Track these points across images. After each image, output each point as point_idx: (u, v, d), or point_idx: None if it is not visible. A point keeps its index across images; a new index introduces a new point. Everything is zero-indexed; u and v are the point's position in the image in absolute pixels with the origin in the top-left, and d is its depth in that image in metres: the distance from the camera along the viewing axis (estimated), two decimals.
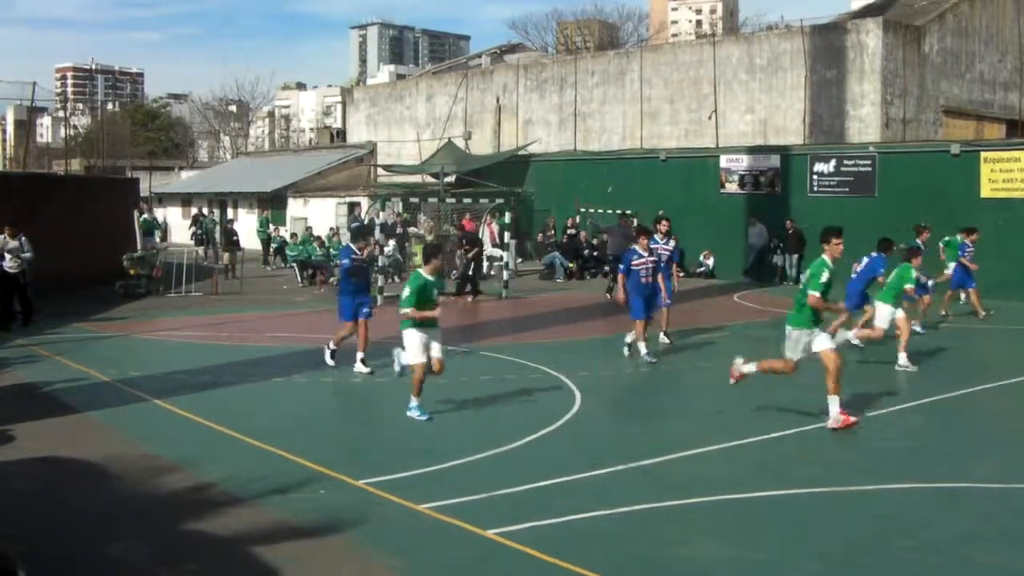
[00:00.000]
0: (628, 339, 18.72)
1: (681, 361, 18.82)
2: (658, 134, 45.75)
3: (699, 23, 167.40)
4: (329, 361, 17.25)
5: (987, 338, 22.85)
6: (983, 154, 32.14)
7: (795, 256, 33.93)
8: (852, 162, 34.63)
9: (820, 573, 8.10)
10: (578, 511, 9.37)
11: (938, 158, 33.06)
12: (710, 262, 36.88)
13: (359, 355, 16.88)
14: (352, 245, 17.50)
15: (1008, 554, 8.58)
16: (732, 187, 37.93)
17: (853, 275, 20.07)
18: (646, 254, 18.49)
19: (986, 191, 31.64)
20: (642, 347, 18.19)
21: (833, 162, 35.03)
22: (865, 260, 20.10)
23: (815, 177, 35.33)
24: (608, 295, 27.68)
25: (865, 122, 40.12)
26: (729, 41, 48.49)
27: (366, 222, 36.11)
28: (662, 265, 19.15)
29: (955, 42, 43.57)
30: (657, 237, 19.58)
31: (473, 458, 11.22)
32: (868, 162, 34.22)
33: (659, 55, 48.74)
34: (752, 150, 38.53)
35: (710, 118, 43.12)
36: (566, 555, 8.20)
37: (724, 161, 38.33)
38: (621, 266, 18.68)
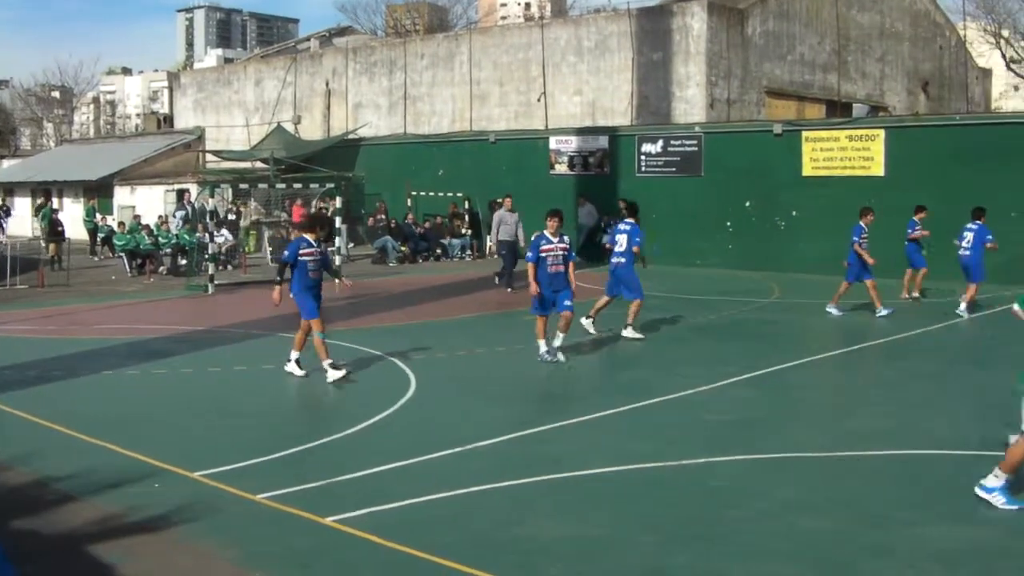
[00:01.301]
0: (543, 349, 16.47)
1: (515, 341, 18.98)
2: (488, 116, 45.91)
3: (528, 6, 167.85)
4: (333, 373, 14.99)
5: (812, 313, 23.52)
6: (804, 134, 33.06)
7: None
8: (679, 142, 35.28)
9: (656, 546, 8.25)
10: (416, 495, 9.38)
11: (762, 138, 33.89)
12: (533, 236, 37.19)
13: (295, 355, 15.48)
14: (307, 235, 15.44)
15: (832, 519, 8.89)
16: (562, 168, 38.34)
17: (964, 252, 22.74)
18: (555, 240, 16.36)
19: (808, 170, 32.56)
20: (541, 345, 16.46)
21: (660, 142, 35.63)
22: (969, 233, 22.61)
23: (643, 157, 35.90)
24: (497, 281, 27.77)
25: (691, 103, 40.82)
26: (557, 24, 48.79)
27: (196, 208, 35.65)
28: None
29: (777, 25, 44.57)
30: (549, 234, 16.50)
31: (309, 445, 11.18)
32: (694, 142, 34.89)
33: (488, 38, 48.86)
34: (581, 131, 38.97)
35: (539, 100, 43.42)
36: (405, 539, 8.22)
37: (553, 142, 38.72)
38: (529, 254, 16.39)
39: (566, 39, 44.51)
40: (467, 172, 40.19)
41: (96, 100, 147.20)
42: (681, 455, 10.80)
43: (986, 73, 60.99)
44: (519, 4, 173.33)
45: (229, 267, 32.95)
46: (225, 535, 8.53)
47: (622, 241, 18.98)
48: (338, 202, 32.12)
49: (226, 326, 20.63)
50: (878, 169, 31.49)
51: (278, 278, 15.15)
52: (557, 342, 16.56)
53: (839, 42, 45.07)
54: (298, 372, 15.27)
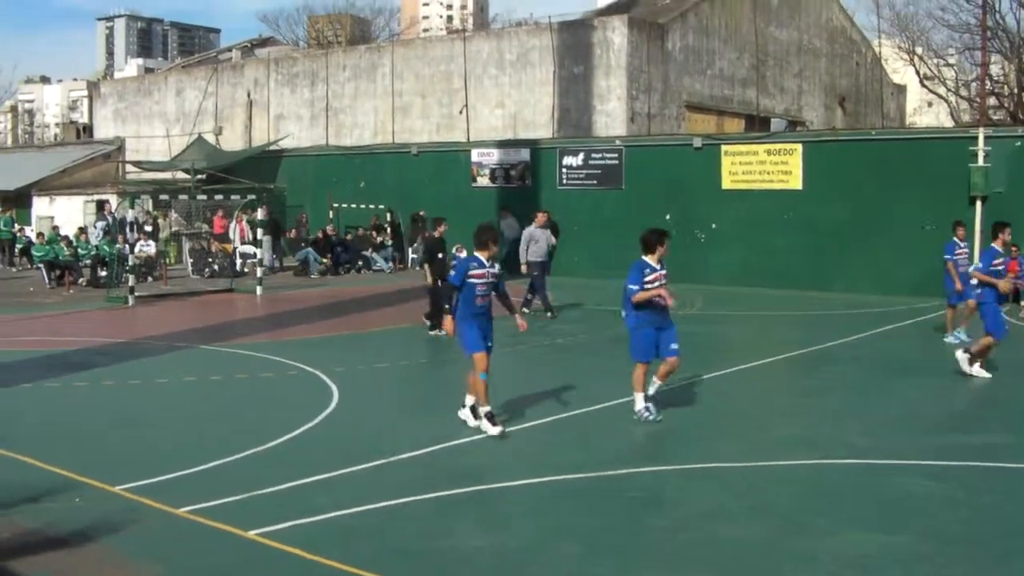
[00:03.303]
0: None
1: (436, 353, 19.05)
2: (410, 128, 45.93)
3: (450, 18, 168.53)
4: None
5: (733, 323, 23.81)
6: (724, 147, 33.43)
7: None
8: (600, 155, 35.51)
9: (577, 556, 8.33)
10: (340, 507, 9.40)
11: (681, 151, 34.21)
12: (463, 255, 37.21)
13: (471, 401, 13.03)
14: (478, 254, 12.84)
15: (752, 528, 9.04)
16: (484, 181, 38.44)
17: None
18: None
19: (727, 183, 32.92)
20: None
21: (581, 155, 35.85)
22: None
23: (564, 170, 36.10)
24: (528, 310, 23.61)
25: (611, 116, 41.12)
26: (480, 37, 48.97)
27: (116, 220, 35.34)
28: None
29: (697, 40, 45.03)
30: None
31: (232, 459, 11.14)
32: (615, 155, 35.15)
33: (410, 50, 48.89)
34: (503, 144, 39.08)
35: (461, 112, 43.51)
36: (329, 552, 8.24)
37: (475, 155, 38.81)
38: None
39: (488, 52, 44.67)
40: (389, 184, 40.18)
41: (14, 109, 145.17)
42: (603, 466, 10.90)
43: (901, 89, 62.01)
44: (441, 17, 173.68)
45: (149, 279, 32.67)
46: (149, 551, 8.47)
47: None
48: (260, 213, 32.02)
49: (147, 338, 20.49)
50: (796, 183, 31.90)
51: (446, 305, 13.45)
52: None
53: (758, 57, 45.63)
54: (492, 430, 12.31)
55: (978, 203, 29.17)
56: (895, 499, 9.93)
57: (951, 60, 62.00)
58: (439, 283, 20.45)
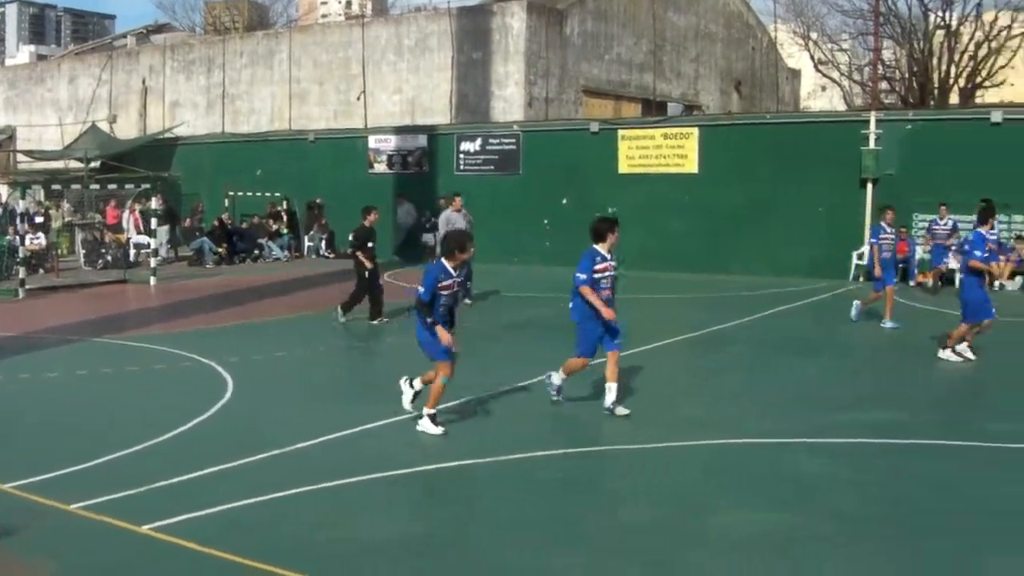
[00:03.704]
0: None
1: (338, 340, 18.97)
2: (307, 115, 45.59)
3: (349, 4, 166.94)
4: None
5: (631, 306, 23.92)
6: (621, 132, 33.68)
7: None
8: (497, 140, 35.59)
9: (482, 541, 8.35)
10: (234, 499, 9.27)
11: (579, 136, 34.41)
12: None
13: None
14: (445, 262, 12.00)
15: (654, 510, 9.11)
16: (381, 167, 38.33)
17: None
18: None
19: (624, 167, 33.17)
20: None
21: (479, 141, 35.89)
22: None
23: (462, 156, 36.12)
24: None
25: (509, 102, 41.18)
26: (378, 22, 48.77)
27: (6, 210, 34.64)
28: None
29: (595, 25, 45.20)
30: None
31: (125, 453, 10.93)
32: (513, 140, 35.24)
33: (308, 36, 48.57)
34: (400, 130, 39.00)
35: (359, 99, 43.28)
36: (224, 545, 8.11)
37: (373, 142, 38.68)
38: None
39: (386, 38, 44.50)
40: (286, 172, 39.83)
41: None
42: (507, 450, 10.89)
43: (795, 74, 62.75)
44: (340, 2, 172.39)
45: (40, 271, 32.08)
46: (40, 548, 8.28)
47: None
48: (154, 202, 31.60)
49: (38, 332, 20.13)
50: (692, 166, 32.25)
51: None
52: None
53: (655, 42, 45.89)
54: (434, 430, 11.75)
55: (869, 185, 29.69)
56: (792, 478, 10.08)
57: (844, 45, 62.84)
58: (367, 273, 20.49)
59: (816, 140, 30.69)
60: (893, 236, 20.95)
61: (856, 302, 21.07)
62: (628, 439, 11.50)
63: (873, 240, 20.53)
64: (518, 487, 9.86)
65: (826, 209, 30.21)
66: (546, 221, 33.65)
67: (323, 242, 38.44)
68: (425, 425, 11.75)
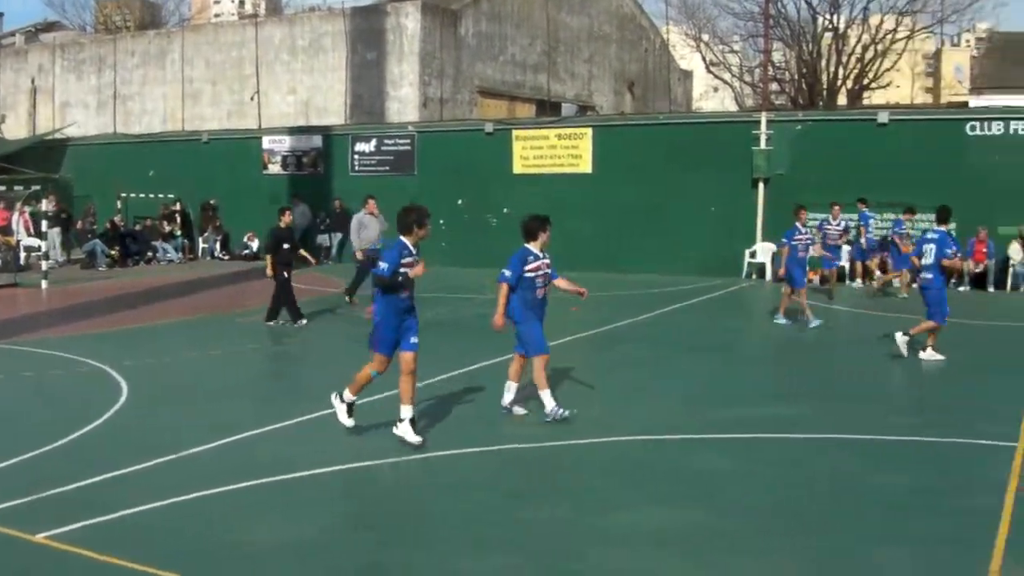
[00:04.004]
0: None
1: (233, 343, 18.84)
2: (201, 116, 45.20)
3: (242, 3, 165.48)
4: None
5: None
6: (515, 132, 33.85)
7: (340, 235, 34.31)
8: (392, 141, 35.58)
9: (375, 543, 8.31)
10: (131, 505, 9.08)
11: (474, 136, 34.52)
12: (254, 244, 36.86)
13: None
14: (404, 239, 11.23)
15: (551, 508, 9.14)
16: (275, 168, 38.14)
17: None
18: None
19: (518, 167, 33.34)
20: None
21: (374, 141, 35.85)
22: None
23: (357, 156, 36.07)
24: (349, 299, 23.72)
25: (404, 102, 41.18)
26: (272, 22, 48.49)
27: None
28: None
29: (489, 26, 45.35)
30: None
31: (17, 460, 10.65)
32: (407, 141, 35.26)
33: (201, 35, 48.13)
34: (294, 131, 38.80)
35: (253, 99, 42.99)
36: (121, 552, 7.95)
37: (267, 142, 38.44)
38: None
39: (280, 37, 44.27)
40: (179, 173, 39.34)
41: None
42: (400, 452, 10.83)
43: (687, 75, 63.47)
44: (233, 2, 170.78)
45: None
46: None
47: (929, 252, 16.76)
48: (44, 204, 31.10)
49: None
50: (586, 166, 32.52)
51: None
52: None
53: (549, 43, 46.16)
54: (412, 439, 11.03)
55: (761, 185, 30.16)
56: (693, 474, 10.19)
57: (735, 47, 63.81)
58: (283, 275, 20.14)
59: (708, 140, 31.12)
60: (809, 236, 21.19)
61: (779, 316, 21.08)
62: (528, 438, 11.50)
63: (785, 240, 20.61)
64: (411, 489, 9.84)
65: (719, 208, 30.63)
66: (441, 221, 33.63)
67: (217, 244, 38.08)
68: (337, 408, 11.59)
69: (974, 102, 43.84)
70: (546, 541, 8.37)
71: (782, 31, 58.01)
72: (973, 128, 28.55)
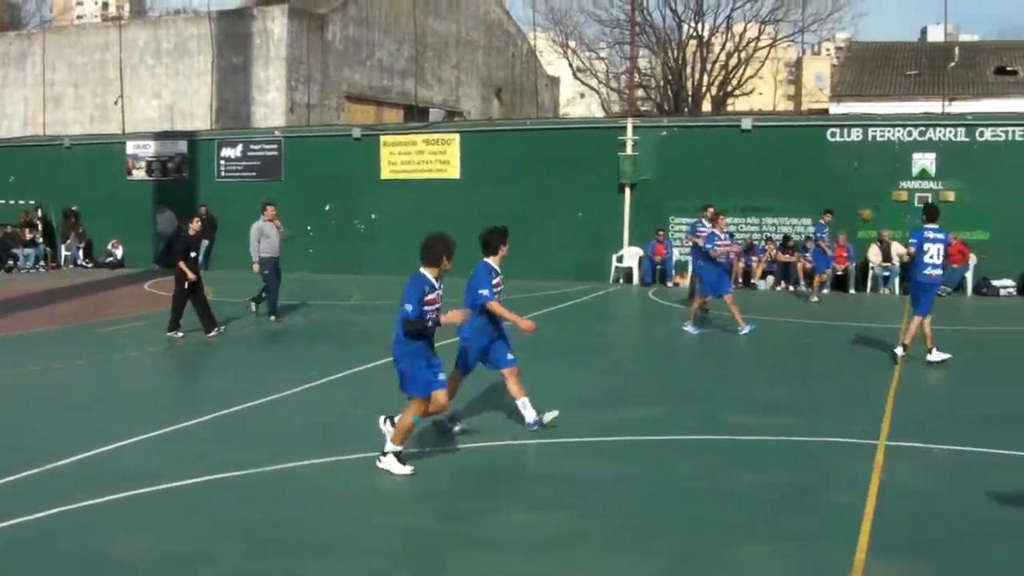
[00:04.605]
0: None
1: (94, 353, 18.56)
2: (62, 120, 44.43)
3: (105, 5, 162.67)
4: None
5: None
6: (383, 138, 33.87)
7: (206, 242, 33.94)
8: (259, 147, 35.34)
9: (241, 554, 8.25)
10: None
11: (341, 142, 34.45)
12: (119, 252, 36.35)
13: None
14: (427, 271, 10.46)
15: (415, 513, 9.23)
16: (140, 174, 37.57)
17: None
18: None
19: (386, 173, 33.38)
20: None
21: (240, 147, 35.57)
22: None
23: (223, 162, 35.74)
24: (255, 308, 22.89)
25: (271, 107, 40.98)
26: (136, 25, 47.79)
27: None
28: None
29: (357, 31, 45.28)
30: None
31: None
32: (275, 146, 35.06)
33: (63, 37, 47.32)
34: (159, 136, 38.30)
35: (116, 103, 42.34)
36: None
37: (131, 147, 37.87)
38: (408, 308, 10.10)
39: (145, 41, 43.74)
40: (40, 179, 38.59)
41: None
42: (266, 461, 10.73)
43: (555, 81, 63.95)
44: (96, 3, 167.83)
45: None
46: None
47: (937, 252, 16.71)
48: None
49: None
50: (454, 172, 32.68)
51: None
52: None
53: (417, 49, 46.21)
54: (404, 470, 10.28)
55: (627, 190, 30.59)
56: (555, 478, 10.31)
57: (602, 53, 64.44)
58: (186, 284, 19.55)
59: (575, 146, 31.47)
60: (728, 241, 21.15)
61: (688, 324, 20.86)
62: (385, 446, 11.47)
63: (709, 246, 20.34)
64: (272, 499, 9.74)
65: (586, 214, 30.99)
66: (309, 228, 33.54)
67: (80, 251, 37.43)
68: (389, 463, 10.26)
69: (834, 109, 44.82)
70: (409, 547, 8.44)
71: (648, 38, 58.79)
72: (834, 135, 29.38)
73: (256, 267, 21.87)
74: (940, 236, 16.77)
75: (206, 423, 12.53)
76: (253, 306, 22.59)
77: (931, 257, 16.60)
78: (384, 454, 10.28)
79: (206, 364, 17.77)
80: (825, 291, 27.01)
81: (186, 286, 19.65)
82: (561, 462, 10.90)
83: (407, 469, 10.18)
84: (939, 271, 16.85)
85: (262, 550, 8.35)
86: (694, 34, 58.20)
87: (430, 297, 10.13)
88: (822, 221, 26.78)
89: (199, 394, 13.66)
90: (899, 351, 16.75)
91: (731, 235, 24.53)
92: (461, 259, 10.69)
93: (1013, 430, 12.30)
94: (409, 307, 9.99)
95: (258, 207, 27.56)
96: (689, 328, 20.22)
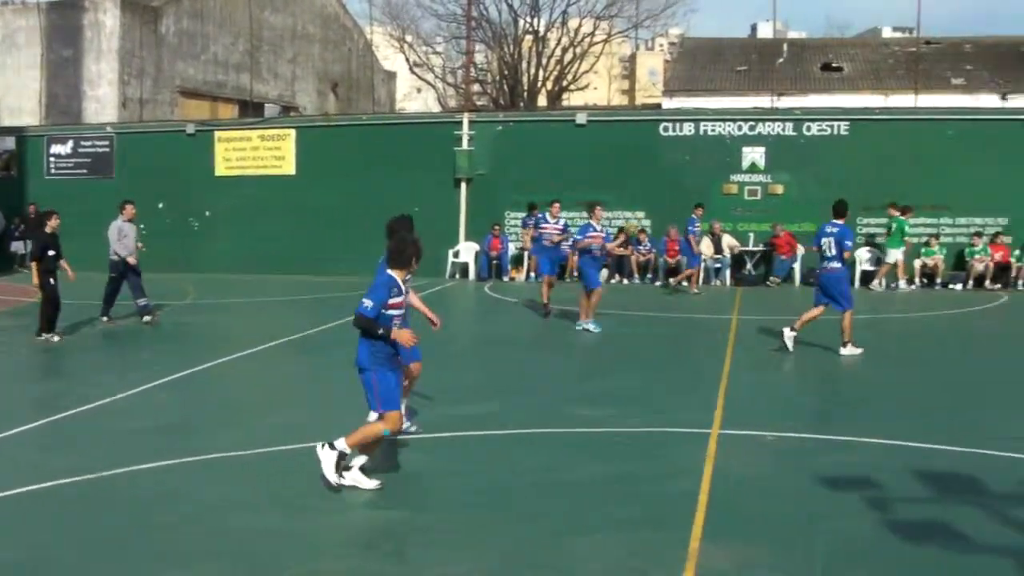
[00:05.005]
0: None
1: None
2: None
3: None
4: None
5: (228, 311, 23.94)
6: (217, 134, 33.60)
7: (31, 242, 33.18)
8: (90, 143, 34.73)
9: (79, 562, 8.12)
10: None
11: (175, 138, 34.04)
12: None
13: None
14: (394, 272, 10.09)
15: (259, 514, 9.17)
16: None
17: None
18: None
19: (221, 170, 33.12)
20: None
21: (71, 143, 34.91)
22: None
23: (52, 159, 35.04)
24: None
25: (103, 102, 40.26)
26: None
27: None
28: None
29: (191, 24, 44.69)
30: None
31: None
32: (106, 143, 34.50)
33: None
34: None
35: None
36: None
37: None
38: (367, 304, 9.66)
39: None
40: None
41: None
42: (101, 467, 10.52)
43: (391, 76, 63.87)
44: None
45: None
46: None
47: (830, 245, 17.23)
48: None
49: None
50: (290, 168, 32.57)
51: None
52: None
53: (252, 43, 45.84)
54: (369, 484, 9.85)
55: (463, 185, 30.86)
56: (397, 472, 10.41)
57: (439, 48, 64.68)
58: (50, 282, 18.93)
59: (412, 141, 31.62)
60: (604, 234, 20.69)
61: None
62: (230, 446, 11.41)
63: (580, 236, 20.08)
64: (111, 505, 9.59)
65: (423, 209, 31.06)
66: (142, 226, 32.99)
67: None
68: (355, 478, 9.77)
69: (667, 104, 45.62)
70: (253, 548, 8.40)
71: (484, 33, 59.29)
72: (666, 129, 30.03)
73: (133, 259, 21.29)
74: (834, 230, 17.30)
75: (34, 429, 12.28)
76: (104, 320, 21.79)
77: (827, 251, 17.27)
78: (348, 468, 9.79)
79: (38, 367, 17.48)
80: (679, 283, 27.43)
81: (51, 282, 19.11)
82: (399, 458, 10.95)
83: (371, 484, 9.73)
84: (836, 264, 17.29)
85: (98, 557, 8.25)
86: (530, 29, 58.77)
87: (395, 301, 9.79)
88: (693, 216, 27.39)
89: (25, 399, 13.36)
90: (788, 334, 17.28)
91: (565, 228, 24.33)
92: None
93: (840, 416, 12.93)
94: (369, 303, 9.52)
95: (88, 206, 27.04)
96: (591, 327, 19.88)
